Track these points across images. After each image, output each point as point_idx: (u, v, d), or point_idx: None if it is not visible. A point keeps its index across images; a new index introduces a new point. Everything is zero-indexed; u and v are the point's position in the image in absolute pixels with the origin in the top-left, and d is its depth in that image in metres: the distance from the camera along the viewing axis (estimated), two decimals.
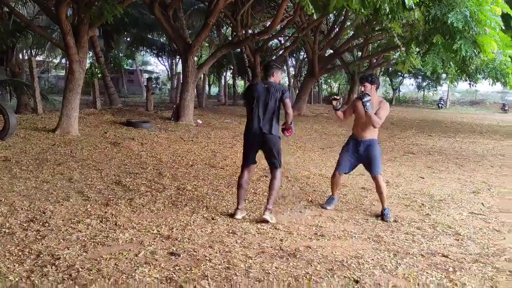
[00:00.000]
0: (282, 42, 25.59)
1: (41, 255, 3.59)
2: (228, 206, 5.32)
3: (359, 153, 5.28)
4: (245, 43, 16.68)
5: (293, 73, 36.15)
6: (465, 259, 4.00)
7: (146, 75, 37.77)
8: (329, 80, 43.52)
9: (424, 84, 42.27)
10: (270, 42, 25.25)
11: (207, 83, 38.44)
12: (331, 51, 24.22)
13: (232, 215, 4.88)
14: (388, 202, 5.40)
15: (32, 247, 3.75)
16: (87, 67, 12.35)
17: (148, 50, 31.90)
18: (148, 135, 10.79)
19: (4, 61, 14.56)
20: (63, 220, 4.48)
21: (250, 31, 18.34)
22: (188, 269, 3.48)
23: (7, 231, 4.11)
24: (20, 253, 3.63)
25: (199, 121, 14.38)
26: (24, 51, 24.20)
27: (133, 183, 6.20)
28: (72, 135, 9.73)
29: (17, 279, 3.17)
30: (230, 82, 34.76)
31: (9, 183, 5.77)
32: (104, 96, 19.67)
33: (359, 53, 27.74)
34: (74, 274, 3.27)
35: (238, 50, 21.81)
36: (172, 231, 4.32)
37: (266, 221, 4.68)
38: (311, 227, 4.70)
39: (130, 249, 3.82)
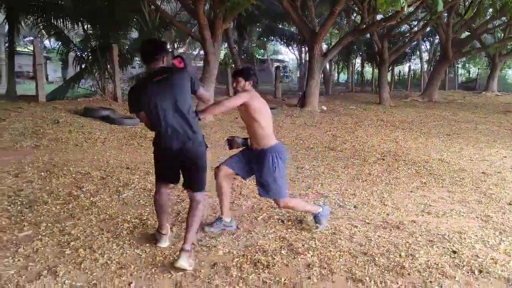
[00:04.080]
0: (414, 25, 24.78)
1: (180, 214, 4.44)
2: (342, 184, 5.72)
3: (251, 162, 3.97)
4: (372, 29, 16.60)
5: (427, 58, 34.62)
6: None
7: (277, 64, 38.97)
8: (467, 65, 40.81)
9: None
10: (401, 27, 24.58)
11: (335, 70, 38.57)
12: (468, 33, 22.84)
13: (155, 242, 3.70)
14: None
15: (173, 208, 4.59)
16: (221, 57, 13.48)
17: (278, 39, 32.98)
18: (274, 120, 11.47)
19: None
20: None
21: (378, 17, 18.17)
22: (299, 231, 4.00)
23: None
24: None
25: (324, 108, 14.80)
26: (169, 44, 26.67)
27: None
28: (206, 120, 10.79)
29: (126, 232, 3.97)
30: (360, 69, 34.48)
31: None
32: None
33: (502, 34, 25.70)
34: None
35: (368, 36, 21.62)
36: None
37: (181, 269, 3.22)
38: (419, 205, 4.91)
39: (251, 214, 4.46)
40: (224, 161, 4.07)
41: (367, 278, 3.12)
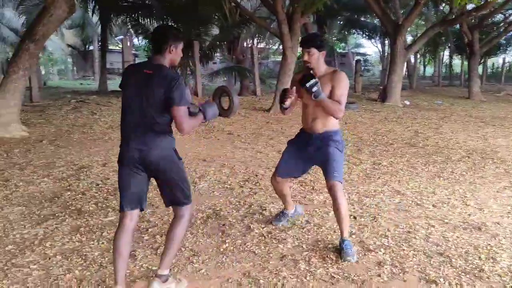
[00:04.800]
0: (509, 14, 23.11)
1: (252, 206, 4.47)
2: (421, 182, 5.49)
3: (309, 151, 3.58)
4: (461, 20, 15.70)
5: None
6: None
7: (358, 58, 38.17)
8: None
9: None
10: (495, 16, 22.98)
11: (421, 63, 37.00)
12: None
13: None
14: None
15: (246, 200, 4.65)
16: (299, 52, 13.42)
17: (360, 32, 32.25)
18: (353, 115, 11.28)
19: (231, 50, 16.76)
20: (270, 183, 5.31)
21: (468, 6, 17.15)
22: (372, 229, 3.90)
23: (228, 187, 5.13)
24: (237, 203, 4.57)
25: (407, 102, 14.28)
26: (248, 40, 27.01)
27: None
28: (282, 114, 10.82)
29: (234, 221, 4.05)
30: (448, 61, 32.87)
31: (231, 152, 6.97)
32: None
33: None
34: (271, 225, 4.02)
35: (457, 26, 20.51)
36: (362, 198, 4.76)
37: None
38: (506, 206, 4.59)
39: (322, 209, 4.42)
40: (276, 169, 3.76)
41: (441, 279, 2.98)
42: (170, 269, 2.91)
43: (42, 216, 4.15)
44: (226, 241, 3.62)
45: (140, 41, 29.27)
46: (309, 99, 3.42)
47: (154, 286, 2.79)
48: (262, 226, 3.94)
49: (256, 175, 5.64)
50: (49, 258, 3.29)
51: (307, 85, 3.22)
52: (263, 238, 3.69)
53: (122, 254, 2.74)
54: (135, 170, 2.73)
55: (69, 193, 4.84)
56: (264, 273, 3.09)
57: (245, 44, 21.68)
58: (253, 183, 5.30)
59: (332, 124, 3.51)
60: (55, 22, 7.84)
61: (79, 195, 4.77)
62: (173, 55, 2.74)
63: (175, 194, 2.83)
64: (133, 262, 3.22)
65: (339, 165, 3.42)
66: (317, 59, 3.38)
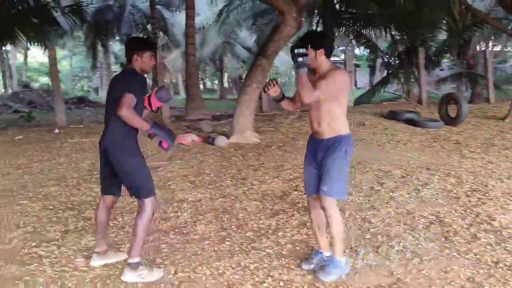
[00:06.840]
0: None
1: (480, 215, 4.27)
2: None
3: (318, 159, 3.20)
4: None
5: None
6: None
7: None
8: None
9: None
10: None
11: None
12: None
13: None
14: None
15: (473, 209, 4.45)
16: None
17: None
18: None
19: (460, 55, 15.72)
20: (502, 193, 4.96)
21: None
22: None
23: (454, 195, 4.96)
24: (463, 211, 4.41)
25: None
26: (481, 43, 24.75)
27: None
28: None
29: (458, 228, 3.94)
30: None
31: (458, 161, 6.62)
32: None
33: None
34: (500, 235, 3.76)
35: None
36: None
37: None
38: None
39: None
40: (306, 189, 3.42)
41: None
42: (140, 259, 3.12)
43: (274, 211, 4.65)
44: (449, 247, 3.56)
45: (361, 51, 29.76)
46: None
47: (125, 273, 3.10)
48: (491, 236, 3.74)
49: (486, 186, 5.27)
50: (281, 246, 3.72)
51: (296, 51, 2.99)
52: (491, 247, 3.51)
53: (100, 222, 3.32)
54: (104, 160, 3.17)
55: (296, 192, 5.28)
56: (489, 280, 2.99)
57: (477, 47, 20.01)
58: (482, 193, 4.99)
59: (341, 127, 3.14)
60: (285, 38, 8.53)
61: (305, 195, 5.17)
62: (140, 63, 3.12)
63: (127, 184, 3.15)
64: (355, 257, 3.43)
65: (334, 178, 3.11)
66: (315, 59, 3.10)
